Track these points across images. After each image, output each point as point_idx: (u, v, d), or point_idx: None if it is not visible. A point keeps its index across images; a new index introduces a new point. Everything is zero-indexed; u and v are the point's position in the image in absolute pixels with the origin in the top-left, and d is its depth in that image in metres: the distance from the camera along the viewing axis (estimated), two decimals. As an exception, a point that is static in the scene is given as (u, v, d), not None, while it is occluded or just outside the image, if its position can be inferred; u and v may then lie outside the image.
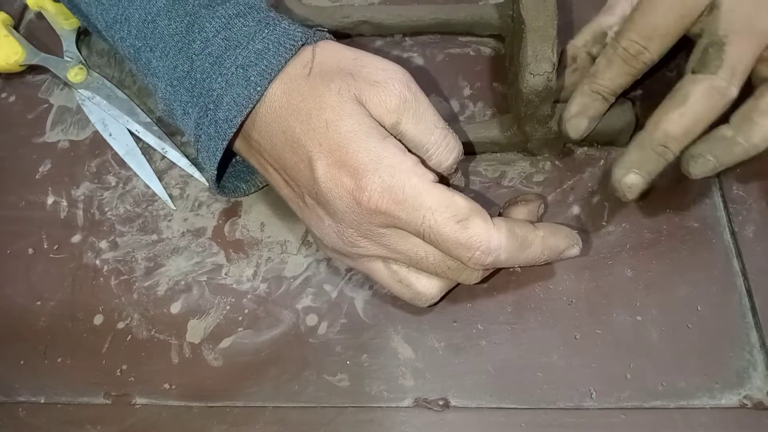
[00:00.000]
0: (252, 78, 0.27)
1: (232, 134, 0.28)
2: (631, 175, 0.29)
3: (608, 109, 0.33)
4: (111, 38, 0.33)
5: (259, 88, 0.27)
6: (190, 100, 0.29)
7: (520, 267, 0.32)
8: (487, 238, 0.26)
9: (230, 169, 0.34)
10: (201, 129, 0.29)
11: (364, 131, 0.26)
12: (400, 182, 0.26)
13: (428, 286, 0.29)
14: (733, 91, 0.29)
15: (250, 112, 0.28)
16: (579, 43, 0.34)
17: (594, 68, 0.32)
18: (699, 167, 0.29)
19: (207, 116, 0.29)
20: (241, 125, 0.29)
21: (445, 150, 0.29)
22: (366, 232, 0.27)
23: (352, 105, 0.27)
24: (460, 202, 0.27)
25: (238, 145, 0.31)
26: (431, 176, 0.27)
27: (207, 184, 0.37)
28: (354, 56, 0.28)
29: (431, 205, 0.26)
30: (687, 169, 0.29)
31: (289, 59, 0.28)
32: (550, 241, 0.29)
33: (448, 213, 0.26)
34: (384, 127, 0.27)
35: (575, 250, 0.30)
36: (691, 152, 0.29)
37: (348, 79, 0.27)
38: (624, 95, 0.34)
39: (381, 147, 0.26)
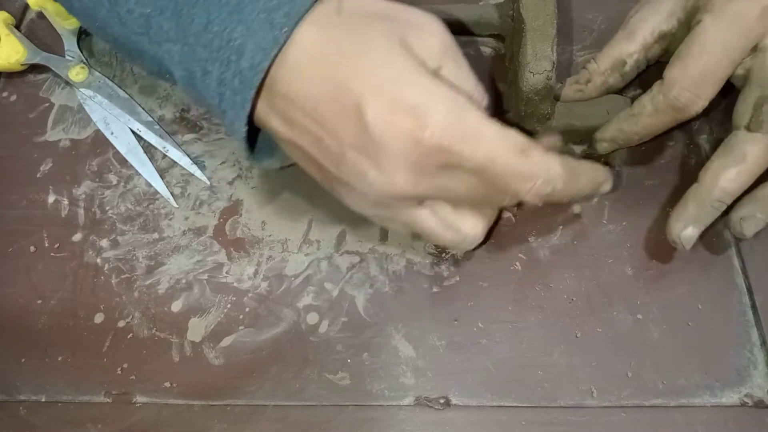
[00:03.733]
0: (277, 20, 0.26)
1: (260, 81, 0.26)
2: (690, 229, 0.30)
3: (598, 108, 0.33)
4: (117, 16, 0.30)
5: (285, 29, 0.25)
6: (209, 57, 0.27)
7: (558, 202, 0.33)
8: (547, 167, 0.26)
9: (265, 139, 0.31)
10: (224, 85, 0.27)
11: (416, 70, 0.25)
12: (460, 117, 0.25)
13: (474, 227, 0.29)
14: None
15: (277, 56, 0.26)
16: (600, 69, 0.34)
17: (638, 110, 0.31)
18: (751, 227, 0.30)
19: (230, 69, 0.26)
20: (265, 79, 0.26)
21: (480, 96, 0.28)
22: (420, 174, 0.26)
23: (398, 46, 0.25)
24: (516, 134, 0.26)
25: (259, 107, 0.28)
26: (484, 111, 0.26)
27: (208, 183, 0.37)
28: (386, 3, 0.27)
29: (492, 137, 0.25)
30: (740, 231, 0.30)
31: (315, 0, 0.26)
32: (592, 173, 0.30)
33: (509, 144, 0.26)
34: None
35: (609, 185, 0.31)
36: (741, 214, 0.30)
37: (390, 23, 0.26)
38: (621, 93, 0.34)
39: (435, 84, 0.25)
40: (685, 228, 0.30)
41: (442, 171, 0.26)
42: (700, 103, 0.30)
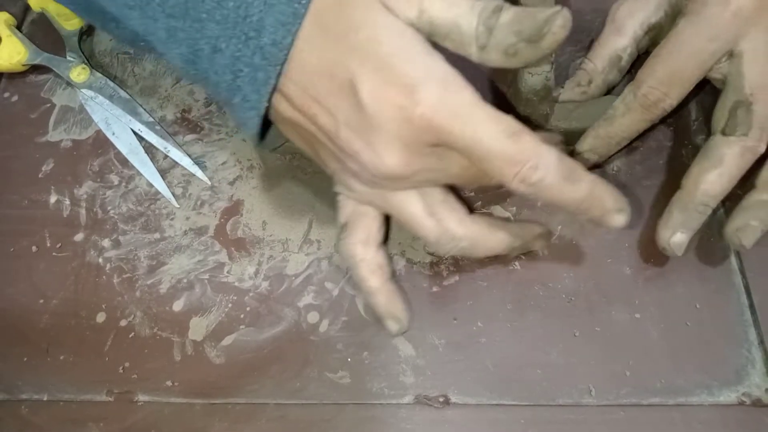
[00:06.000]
0: None
1: (285, 58, 0.26)
2: (678, 235, 0.30)
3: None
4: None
5: (303, 1, 0.25)
6: (221, 34, 0.27)
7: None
8: (537, 153, 0.25)
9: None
10: (241, 61, 0.27)
11: (409, 44, 0.25)
12: (453, 95, 0.25)
13: (459, 225, 0.29)
14: (763, 148, 0.30)
15: (297, 31, 0.26)
16: (599, 68, 0.34)
17: (611, 113, 0.32)
18: (750, 236, 0.29)
19: (248, 46, 0.26)
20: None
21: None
22: (412, 153, 0.26)
23: (384, 17, 0.25)
24: (509, 118, 0.26)
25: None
26: (477, 93, 0.26)
27: (209, 183, 0.37)
28: None
29: (483, 118, 0.25)
30: (739, 243, 0.29)
31: None
32: (598, 189, 0.27)
33: (500, 127, 0.25)
34: (411, 22, 0.26)
35: (622, 218, 0.27)
36: (735, 226, 0.30)
37: None
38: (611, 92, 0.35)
39: (430, 59, 0.25)
40: (674, 234, 0.30)
41: (434, 151, 0.26)
42: (668, 101, 0.31)
